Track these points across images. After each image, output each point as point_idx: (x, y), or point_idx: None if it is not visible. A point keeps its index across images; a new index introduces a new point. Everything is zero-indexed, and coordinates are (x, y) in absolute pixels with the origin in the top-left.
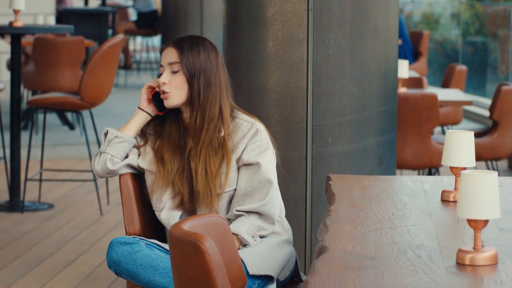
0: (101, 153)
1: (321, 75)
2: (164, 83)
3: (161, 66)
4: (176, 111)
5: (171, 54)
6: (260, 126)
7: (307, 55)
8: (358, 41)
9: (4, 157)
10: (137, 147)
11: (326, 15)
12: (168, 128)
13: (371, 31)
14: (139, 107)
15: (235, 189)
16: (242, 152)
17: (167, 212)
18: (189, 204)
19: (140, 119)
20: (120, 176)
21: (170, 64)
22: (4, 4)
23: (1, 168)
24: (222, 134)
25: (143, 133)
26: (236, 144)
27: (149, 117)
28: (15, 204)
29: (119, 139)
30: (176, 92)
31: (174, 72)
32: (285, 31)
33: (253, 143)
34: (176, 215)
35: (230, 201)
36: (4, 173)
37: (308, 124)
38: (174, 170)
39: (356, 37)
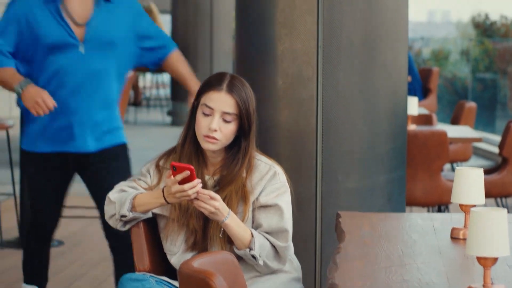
0: (117, 219)
1: (330, 112)
2: (214, 130)
3: (207, 106)
4: (196, 143)
5: (228, 104)
6: (278, 169)
7: (317, 93)
8: (368, 78)
9: (14, 194)
10: (150, 188)
11: (336, 52)
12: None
13: (381, 69)
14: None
15: None
16: (260, 193)
17: (181, 256)
18: (202, 243)
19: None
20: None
21: (226, 113)
22: None
23: (11, 205)
24: (244, 175)
25: (158, 169)
26: (254, 185)
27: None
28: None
29: (137, 220)
30: (224, 141)
31: (226, 121)
32: (294, 69)
33: (272, 185)
34: (189, 257)
35: None
36: (14, 210)
37: (318, 161)
38: (189, 210)
39: (366, 75)
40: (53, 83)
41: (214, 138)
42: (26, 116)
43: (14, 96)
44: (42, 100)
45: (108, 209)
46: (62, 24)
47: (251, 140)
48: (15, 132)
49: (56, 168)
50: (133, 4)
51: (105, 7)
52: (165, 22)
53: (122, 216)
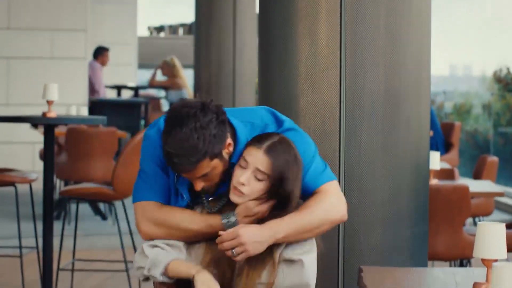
0: (143, 274)
1: (353, 167)
2: (242, 184)
3: (244, 159)
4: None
5: (262, 162)
6: None
7: (339, 147)
8: (390, 133)
9: (37, 247)
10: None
11: (358, 107)
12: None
13: (403, 123)
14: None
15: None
16: (285, 246)
17: None
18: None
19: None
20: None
21: (258, 171)
22: (38, 94)
23: (34, 258)
24: None
25: None
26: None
27: None
28: None
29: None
30: (251, 196)
31: (257, 179)
32: (317, 123)
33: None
34: None
35: None
36: (37, 263)
37: None
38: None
39: (388, 130)
40: None
41: (240, 191)
42: None
43: (37, 149)
44: None
45: (139, 260)
46: None
47: (289, 204)
48: (38, 185)
49: None
50: None
51: None
52: (188, 77)
53: (152, 276)
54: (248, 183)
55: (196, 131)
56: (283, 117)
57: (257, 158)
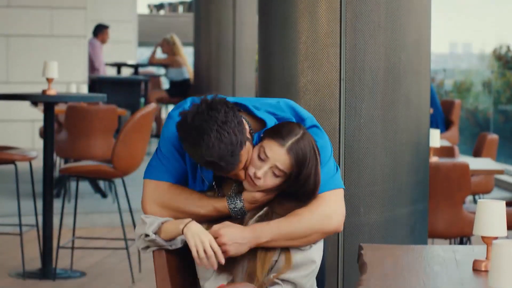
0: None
1: (353, 144)
2: (259, 178)
3: (264, 153)
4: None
5: (283, 161)
6: None
7: (339, 125)
8: (390, 110)
9: (37, 225)
10: None
11: (358, 85)
12: (227, 184)
13: (403, 101)
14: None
15: (276, 260)
16: None
17: (214, 281)
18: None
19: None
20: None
21: (277, 168)
22: (38, 72)
23: (34, 235)
24: None
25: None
26: None
27: None
28: (47, 271)
29: (160, 247)
30: (263, 188)
31: (275, 175)
32: (317, 101)
33: None
34: (222, 282)
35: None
36: (37, 241)
37: None
38: None
39: (388, 107)
40: None
41: (254, 183)
42: None
43: (36, 127)
44: None
45: (138, 230)
46: None
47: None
48: (38, 163)
49: None
50: None
51: None
52: (188, 55)
53: (146, 235)
54: (264, 178)
55: (222, 128)
56: (304, 112)
57: (278, 155)
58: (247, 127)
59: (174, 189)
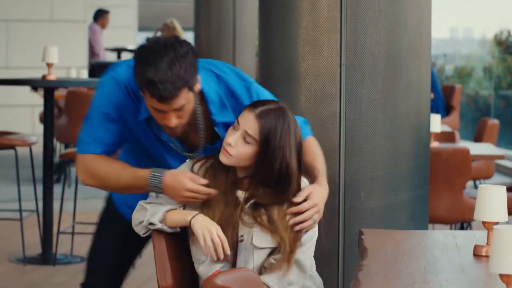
0: (144, 226)
1: (353, 130)
2: (230, 144)
3: (237, 122)
4: None
5: (252, 127)
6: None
7: (340, 110)
8: (391, 96)
9: (37, 210)
10: None
11: (359, 69)
12: (220, 175)
13: (404, 86)
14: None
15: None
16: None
17: (208, 266)
18: (233, 256)
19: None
20: (153, 231)
21: (247, 134)
22: (37, 57)
23: (34, 221)
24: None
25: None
26: None
27: None
28: (47, 257)
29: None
30: (238, 159)
31: (246, 142)
32: (317, 86)
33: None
34: (216, 267)
35: (269, 254)
36: (37, 226)
37: (341, 179)
38: (221, 218)
39: (389, 92)
40: None
41: (228, 152)
42: None
43: (36, 112)
44: None
45: (138, 216)
46: None
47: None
48: (38, 148)
49: None
50: None
51: None
52: (188, 39)
53: (151, 224)
54: (235, 145)
55: (178, 60)
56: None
57: (248, 121)
58: (198, 81)
59: (100, 160)
